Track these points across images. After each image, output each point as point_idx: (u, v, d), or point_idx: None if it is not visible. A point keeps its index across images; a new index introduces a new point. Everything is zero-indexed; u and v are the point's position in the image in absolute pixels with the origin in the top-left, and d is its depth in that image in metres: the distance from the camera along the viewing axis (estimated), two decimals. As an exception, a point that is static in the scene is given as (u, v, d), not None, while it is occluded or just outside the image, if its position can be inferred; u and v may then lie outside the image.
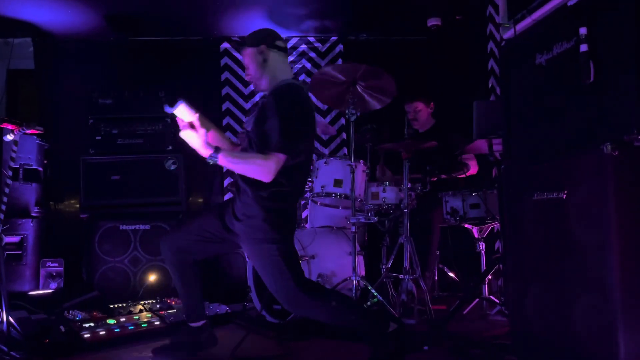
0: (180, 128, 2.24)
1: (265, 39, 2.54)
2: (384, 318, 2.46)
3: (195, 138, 2.20)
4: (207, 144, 2.22)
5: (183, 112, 2.23)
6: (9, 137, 2.80)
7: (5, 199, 2.71)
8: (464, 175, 4.04)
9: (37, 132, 2.97)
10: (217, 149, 2.22)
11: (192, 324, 2.66)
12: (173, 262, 2.59)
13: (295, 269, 2.37)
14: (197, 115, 2.24)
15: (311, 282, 2.49)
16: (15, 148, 2.81)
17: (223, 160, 2.21)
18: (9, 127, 2.75)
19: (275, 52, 2.53)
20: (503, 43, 2.50)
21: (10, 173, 2.89)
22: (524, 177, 2.24)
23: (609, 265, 1.77)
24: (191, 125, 2.22)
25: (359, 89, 3.43)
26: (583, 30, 1.85)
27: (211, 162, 2.22)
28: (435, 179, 4.01)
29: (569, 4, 2.00)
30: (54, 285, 4.04)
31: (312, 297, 2.36)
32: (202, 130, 2.21)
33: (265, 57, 2.50)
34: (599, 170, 1.80)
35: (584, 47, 1.85)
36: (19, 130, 2.78)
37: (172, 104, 2.24)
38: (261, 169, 2.24)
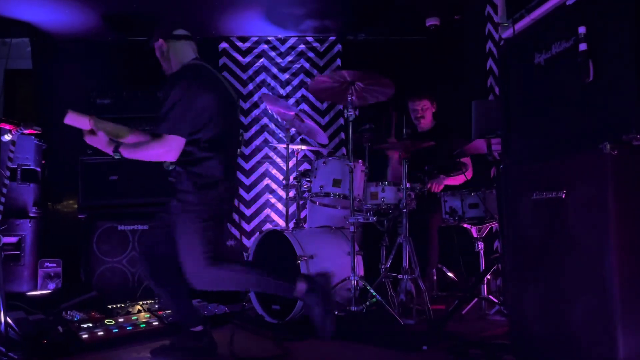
0: (84, 136, 2.49)
1: (162, 34, 2.68)
2: (289, 277, 2.55)
3: (96, 142, 2.46)
4: (108, 143, 2.44)
5: (74, 120, 2.46)
6: (7, 137, 2.79)
7: (3, 200, 2.70)
8: (463, 179, 4.03)
9: (35, 132, 2.96)
10: (117, 146, 2.42)
11: (192, 329, 2.65)
12: (156, 282, 2.59)
13: (208, 246, 2.45)
14: (88, 119, 2.45)
15: (219, 257, 2.52)
16: (13, 148, 2.81)
17: (126, 154, 2.42)
18: (7, 127, 2.74)
19: (173, 42, 2.67)
20: (502, 43, 2.50)
21: (8, 173, 2.88)
22: (523, 177, 2.24)
23: (608, 265, 1.77)
24: (91, 131, 2.45)
25: (357, 88, 3.43)
26: (582, 30, 1.85)
27: (117, 157, 2.42)
28: (439, 190, 4.02)
29: (567, 3, 1.99)
30: (52, 285, 4.04)
31: (217, 268, 2.46)
32: (100, 133, 2.44)
33: (163, 50, 2.67)
34: (598, 170, 1.80)
35: (583, 46, 1.84)
36: (17, 131, 2.77)
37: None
38: (158, 152, 2.42)
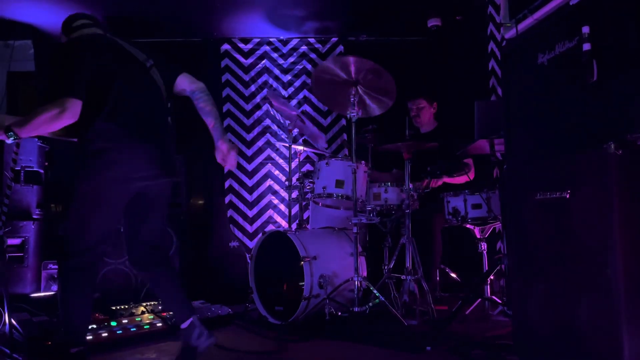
0: None
1: (63, 32, 2.61)
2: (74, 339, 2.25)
3: None
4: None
5: None
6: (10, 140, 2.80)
7: (6, 201, 2.71)
8: (466, 179, 4.03)
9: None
10: (7, 128, 2.19)
11: (183, 326, 2.43)
12: (145, 273, 2.49)
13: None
14: None
15: (74, 253, 2.29)
16: (16, 150, 2.81)
17: (21, 132, 2.19)
18: (11, 129, 2.74)
19: (76, 34, 2.55)
20: (504, 43, 2.50)
21: (11, 175, 2.89)
22: (527, 177, 2.24)
23: (612, 265, 1.77)
24: None
25: (360, 91, 3.43)
26: (586, 29, 1.85)
27: (13, 139, 2.20)
28: (440, 185, 4.01)
29: (571, 3, 1.99)
30: (55, 287, 4.03)
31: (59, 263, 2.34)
32: None
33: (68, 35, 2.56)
34: (603, 170, 1.80)
35: (586, 46, 1.84)
36: (21, 132, 2.77)
37: None
38: (55, 114, 2.17)
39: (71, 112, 2.20)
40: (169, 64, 2.67)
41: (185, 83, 2.63)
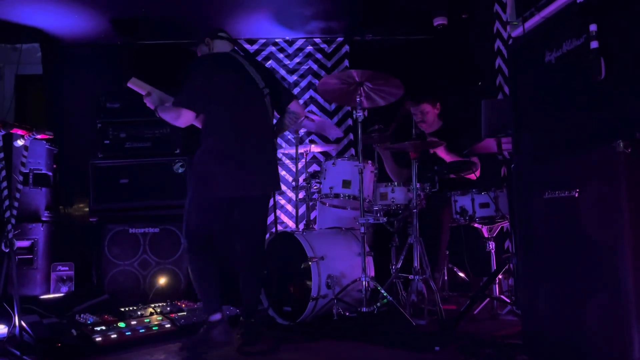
0: (144, 99, 3.01)
1: (207, 34, 3.17)
2: (211, 307, 2.85)
3: (150, 101, 2.99)
4: (155, 103, 2.96)
5: (136, 84, 3.03)
6: (19, 143, 2.82)
7: (16, 204, 2.73)
8: (473, 176, 4.02)
9: (47, 137, 2.98)
10: (156, 107, 2.94)
11: (211, 318, 2.82)
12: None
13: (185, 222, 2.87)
14: (150, 87, 3.01)
15: (187, 243, 2.90)
16: (25, 153, 2.83)
17: (159, 114, 2.91)
18: (20, 132, 2.76)
19: (216, 40, 3.14)
20: (511, 41, 2.49)
21: (21, 178, 2.91)
22: (535, 176, 2.23)
23: (622, 264, 1.76)
24: (148, 93, 2.99)
25: (366, 89, 3.42)
26: (593, 27, 1.84)
27: (158, 116, 2.92)
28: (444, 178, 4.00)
29: (578, 1, 1.98)
30: (64, 289, 4.06)
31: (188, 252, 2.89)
32: (154, 96, 2.98)
33: (209, 45, 3.14)
34: (612, 168, 1.79)
35: (594, 44, 1.83)
36: (30, 136, 2.80)
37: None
38: (172, 114, 2.86)
39: (182, 120, 2.85)
40: (284, 90, 3.21)
41: (296, 107, 3.16)
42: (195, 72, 2.87)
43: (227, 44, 3.13)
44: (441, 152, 4.13)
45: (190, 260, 2.90)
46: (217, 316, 2.81)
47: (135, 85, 3.03)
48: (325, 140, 5.30)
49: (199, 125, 2.96)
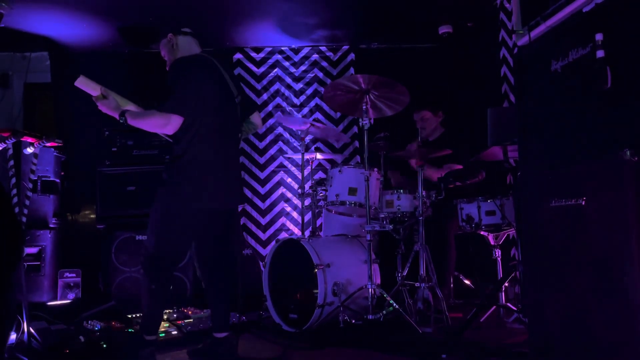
0: (95, 101, 2.65)
1: (171, 30, 2.95)
2: (153, 328, 2.66)
3: (106, 105, 2.63)
4: (116, 108, 2.62)
5: (84, 84, 2.65)
6: (29, 150, 2.85)
7: (25, 211, 2.75)
8: (476, 180, 4.02)
9: (56, 144, 3.01)
10: (124, 112, 2.58)
11: (216, 335, 2.73)
12: (200, 272, 2.85)
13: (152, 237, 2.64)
14: (100, 87, 2.65)
15: (155, 261, 2.64)
16: (35, 161, 2.86)
17: (130, 120, 2.56)
18: (29, 140, 2.79)
19: (181, 37, 2.92)
20: (516, 50, 2.50)
21: (30, 185, 2.94)
22: (541, 184, 2.23)
23: (629, 271, 1.75)
24: (102, 95, 2.64)
25: (372, 97, 3.44)
26: (599, 36, 1.85)
27: (122, 122, 2.56)
28: (451, 186, 4.00)
29: (584, 10, 1.99)
30: (71, 295, 4.08)
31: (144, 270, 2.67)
32: (111, 98, 2.64)
33: (172, 43, 2.90)
34: (619, 177, 1.79)
35: (600, 53, 1.84)
36: (39, 143, 2.83)
37: None
38: (159, 121, 2.55)
39: (173, 125, 2.56)
40: (248, 100, 3.13)
41: (257, 119, 3.08)
42: (185, 76, 2.66)
43: (192, 40, 2.93)
44: (428, 171, 4.11)
45: (152, 279, 2.62)
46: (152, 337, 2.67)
47: (84, 85, 2.67)
48: (331, 148, 5.32)
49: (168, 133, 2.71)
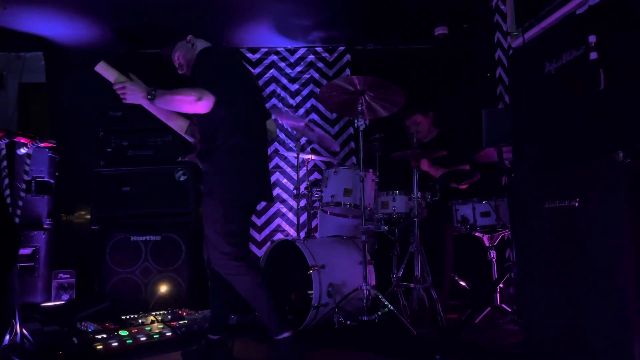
0: (116, 88, 2.50)
1: (190, 32, 2.85)
2: (283, 323, 2.54)
3: (132, 88, 2.47)
4: (144, 88, 2.48)
5: (104, 69, 2.58)
6: (23, 151, 2.84)
7: (19, 212, 2.74)
8: (471, 181, 4.03)
9: (49, 145, 3.00)
10: (152, 90, 2.46)
11: (210, 336, 2.72)
12: (208, 267, 2.74)
13: (230, 231, 2.52)
14: (119, 73, 2.55)
15: (240, 257, 2.56)
16: (28, 161, 2.85)
17: (159, 97, 2.45)
18: (23, 140, 2.78)
19: (199, 39, 2.82)
20: (511, 52, 2.51)
21: (23, 186, 2.92)
22: (535, 185, 2.24)
23: (622, 272, 1.76)
24: (129, 79, 2.52)
25: (368, 98, 3.44)
26: (592, 39, 1.86)
27: (150, 98, 2.45)
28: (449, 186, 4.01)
29: (577, 13, 2.00)
30: (65, 296, 4.07)
31: (239, 267, 2.52)
32: (137, 80, 2.52)
33: (193, 42, 2.79)
34: (612, 178, 1.80)
35: (593, 55, 1.85)
36: (33, 144, 2.82)
37: None
38: (192, 95, 2.41)
39: (205, 102, 2.42)
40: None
41: (272, 125, 3.00)
42: (221, 62, 2.56)
43: (207, 44, 2.85)
44: (424, 166, 4.13)
45: (252, 274, 2.52)
46: (286, 334, 2.53)
47: (104, 70, 2.61)
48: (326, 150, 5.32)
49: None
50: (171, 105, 2.48)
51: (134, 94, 2.47)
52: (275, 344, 2.51)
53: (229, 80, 2.53)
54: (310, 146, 5.35)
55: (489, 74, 4.72)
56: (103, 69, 2.59)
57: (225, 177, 2.54)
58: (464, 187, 4.10)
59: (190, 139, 2.73)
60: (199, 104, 2.42)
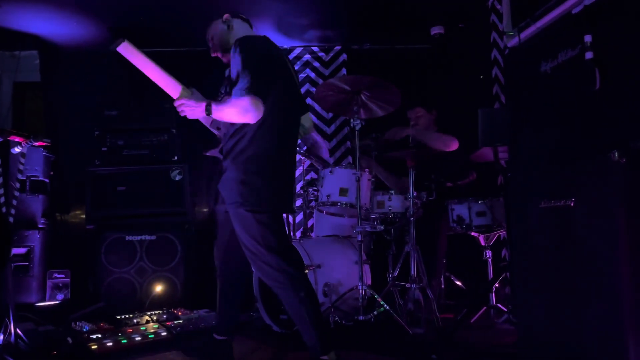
0: (178, 108, 2.35)
1: (228, 12, 2.65)
2: (329, 343, 2.34)
3: (193, 103, 2.33)
4: (203, 100, 2.34)
5: (128, 51, 2.35)
6: (17, 150, 2.82)
7: (13, 211, 2.73)
8: (467, 181, 4.03)
9: (44, 144, 2.99)
10: (209, 103, 2.30)
11: (215, 335, 2.68)
12: (218, 271, 2.64)
13: (268, 239, 2.31)
14: (144, 57, 2.36)
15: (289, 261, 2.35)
16: (22, 160, 2.83)
17: (215, 110, 2.29)
18: (17, 139, 2.77)
19: (237, 20, 2.64)
20: (507, 51, 2.51)
21: (17, 185, 2.91)
22: (531, 185, 2.24)
23: (618, 272, 1.76)
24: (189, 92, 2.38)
25: (364, 98, 3.44)
26: (588, 38, 1.86)
27: (207, 114, 2.29)
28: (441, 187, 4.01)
29: (573, 12, 2.00)
30: (60, 296, 4.05)
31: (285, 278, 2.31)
32: (196, 93, 2.38)
33: (230, 23, 2.61)
34: (607, 178, 1.80)
35: (589, 55, 1.85)
36: (27, 143, 2.80)
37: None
38: (240, 107, 2.23)
39: (254, 111, 2.23)
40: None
41: (308, 121, 2.83)
42: (261, 55, 2.33)
43: (249, 28, 2.65)
44: (434, 144, 4.04)
45: (303, 281, 2.33)
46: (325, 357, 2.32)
47: (129, 52, 2.39)
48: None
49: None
50: (224, 116, 2.31)
51: (193, 111, 2.35)
52: None
53: (274, 79, 2.35)
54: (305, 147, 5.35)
55: (482, 76, 4.74)
56: (127, 51, 2.36)
57: (254, 186, 2.32)
58: (466, 181, 4.08)
59: (215, 132, 2.58)
60: (247, 114, 2.24)
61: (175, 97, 2.40)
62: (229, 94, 2.34)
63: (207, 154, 2.56)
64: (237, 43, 2.34)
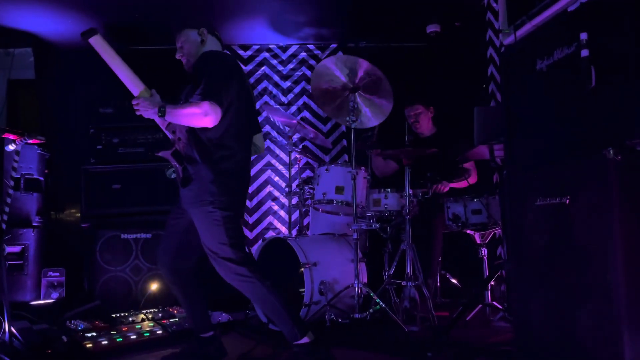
0: (135, 107, 2.44)
1: (203, 25, 2.77)
2: (304, 324, 2.50)
3: (146, 103, 2.42)
4: (158, 102, 2.44)
5: (99, 44, 2.45)
6: (11, 147, 2.81)
7: (7, 209, 2.71)
8: (466, 184, 4.04)
9: (38, 141, 2.97)
10: (162, 105, 2.39)
11: (202, 335, 2.68)
12: (170, 279, 2.65)
13: (233, 237, 2.47)
14: (113, 53, 2.46)
15: (248, 256, 2.56)
16: (17, 158, 2.82)
17: (169, 114, 2.38)
18: (11, 137, 2.75)
19: (210, 35, 2.76)
20: (503, 49, 2.51)
21: (12, 183, 2.89)
22: (526, 183, 2.24)
23: (613, 269, 1.76)
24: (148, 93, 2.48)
25: (358, 98, 3.45)
26: (584, 36, 1.85)
27: (160, 115, 2.38)
28: (440, 192, 4.01)
29: (569, 10, 2.00)
30: (55, 295, 4.03)
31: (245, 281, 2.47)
32: (154, 95, 2.49)
33: (204, 37, 2.72)
34: (602, 175, 1.80)
35: (585, 53, 1.85)
36: (21, 140, 2.78)
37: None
38: (199, 110, 2.33)
39: (213, 116, 2.36)
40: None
41: (261, 141, 2.95)
42: (227, 69, 2.52)
43: (219, 44, 2.80)
44: (446, 188, 4.10)
45: (259, 278, 2.47)
46: (305, 339, 2.45)
47: (100, 46, 2.47)
48: (321, 149, 5.30)
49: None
50: (180, 119, 2.41)
51: (146, 110, 2.43)
52: (294, 352, 2.44)
53: (233, 92, 2.51)
54: (302, 144, 5.34)
55: (484, 85, 4.74)
56: (98, 44, 2.45)
57: (222, 185, 2.48)
58: (463, 183, 4.08)
59: (169, 135, 2.65)
60: (206, 118, 2.36)
61: (135, 95, 2.50)
62: (187, 100, 2.49)
63: (159, 154, 2.61)
64: (206, 54, 2.59)
